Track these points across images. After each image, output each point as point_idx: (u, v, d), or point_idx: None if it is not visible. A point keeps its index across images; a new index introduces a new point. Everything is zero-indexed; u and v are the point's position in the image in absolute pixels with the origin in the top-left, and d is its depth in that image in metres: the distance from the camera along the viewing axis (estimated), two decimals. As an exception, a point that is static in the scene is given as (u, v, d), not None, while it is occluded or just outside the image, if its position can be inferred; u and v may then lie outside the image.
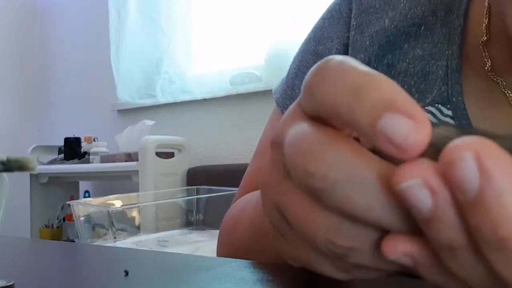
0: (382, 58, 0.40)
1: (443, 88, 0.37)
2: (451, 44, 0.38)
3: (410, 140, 0.15)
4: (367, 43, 0.41)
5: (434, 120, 0.36)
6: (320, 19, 0.46)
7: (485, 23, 0.36)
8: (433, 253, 0.16)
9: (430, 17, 0.39)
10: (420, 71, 0.38)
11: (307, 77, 0.18)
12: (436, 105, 0.37)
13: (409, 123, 0.15)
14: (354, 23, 0.42)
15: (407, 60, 0.39)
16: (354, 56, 0.41)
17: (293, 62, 0.46)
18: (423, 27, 0.39)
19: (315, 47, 0.44)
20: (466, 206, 0.14)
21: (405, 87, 0.38)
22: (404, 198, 0.15)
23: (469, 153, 0.14)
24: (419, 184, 0.14)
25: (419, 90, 0.38)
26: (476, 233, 0.14)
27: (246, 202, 0.42)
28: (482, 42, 0.36)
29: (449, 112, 0.36)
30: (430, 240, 0.16)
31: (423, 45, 0.39)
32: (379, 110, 0.15)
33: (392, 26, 0.40)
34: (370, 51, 0.41)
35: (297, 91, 0.44)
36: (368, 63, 0.40)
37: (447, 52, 0.38)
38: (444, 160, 0.14)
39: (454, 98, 0.36)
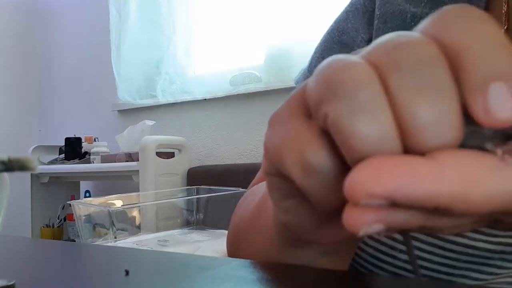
0: None
1: None
2: None
3: (502, 115, 0.15)
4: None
5: None
6: (343, 12, 0.46)
7: (504, 10, 0.36)
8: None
9: None
10: None
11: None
12: None
13: (510, 100, 0.15)
14: (378, 13, 0.43)
15: None
16: None
17: (315, 52, 0.47)
18: None
19: (339, 37, 0.45)
20: None
21: None
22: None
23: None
24: (360, 214, 0.16)
25: None
26: None
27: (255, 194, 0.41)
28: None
29: None
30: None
31: None
32: (496, 76, 0.15)
33: (413, 23, 0.40)
34: None
35: None
36: None
37: None
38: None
39: None
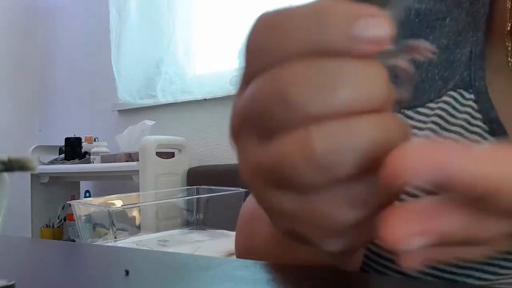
0: None
1: (465, 73, 0.37)
2: (475, 31, 0.38)
3: (384, 33, 0.17)
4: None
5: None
6: None
7: (508, 7, 0.36)
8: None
9: (455, 9, 0.39)
10: (444, 60, 0.38)
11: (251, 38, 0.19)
12: (458, 90, 0.37)
13: (377, 21, 0.17)
14: None
15: None
16: None
17: None
18: (448, 19, 0.40)
19: None
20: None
21: (429, 75, 0.39)
22: None
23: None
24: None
25: (442, 78, 0.38)
26: None
27: None
28: (507, 31, 0.36)
29: (471, 96, 0.36)
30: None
31: (448, 34, 0.39)
32: (350, 21, 0.17)
33: (417, 20, 0.41)
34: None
35: None
36: None
37: (471, 39, 0.38)
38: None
39: (476, 83, 0.36)
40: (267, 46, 0.18)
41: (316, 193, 0.19)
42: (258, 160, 0.19)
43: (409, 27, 0.41)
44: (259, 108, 0.18)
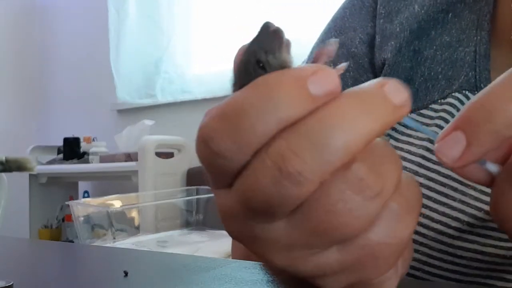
0: (410, 44, 0.40)
1: (470, 74, 0.36)
2: (479, 30, 0.37)
3: (334, 80, 0.18)
4: (397, 29, 0.41)
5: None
6: (340, 8, 0.45)
7: None
8: None
9: (458, 4, 0.39)
10: (447, 58, 0.38)
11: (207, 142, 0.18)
12: (463, 91, 0.36)
13: (323, 74, 0.18)
14: (383, 11, 0.42)
15: (434, 47, 0.39)
16: (385, 43, 0.41)
17: (311, 52, 0.46)
18: (450, 14, 0.39)
19: (336, 37, 0.44)
20: None
21: (432, 73, 0.38)
22: None
23: None
24: None
25: (446, 77, 0.37)
26: None
27: None
28: None
29: None
30: None
31: (451, 31, 0.38)
32: (303, 82, 0.18)
33: (423, 11, 0.40)
34: (401, 37, 0.40)
35: None
36: (399, 49, 0.40)
37: (475, 38, 0.37)
38: None
39: (482, 85, 0.35)
40: (235, 143, 0.17)
41: (303, 208, 0.18)
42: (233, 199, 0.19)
43: (416, 20, 0.40)
44: (266, 198, 0.17)
